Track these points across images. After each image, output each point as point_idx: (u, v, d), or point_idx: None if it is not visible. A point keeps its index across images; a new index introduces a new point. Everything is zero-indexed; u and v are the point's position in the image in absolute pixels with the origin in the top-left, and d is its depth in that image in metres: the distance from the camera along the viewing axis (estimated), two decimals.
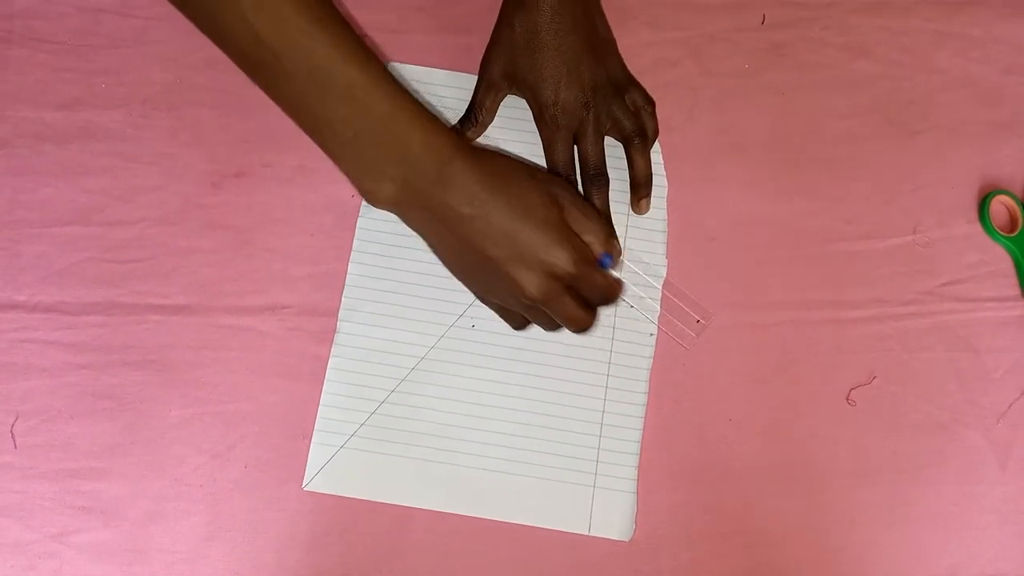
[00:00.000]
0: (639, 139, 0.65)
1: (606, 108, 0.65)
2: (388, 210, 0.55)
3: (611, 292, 0.59)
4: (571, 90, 0.63)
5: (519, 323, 0.62)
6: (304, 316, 0.64)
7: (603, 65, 0.65)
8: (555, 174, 0.65)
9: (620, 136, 0.66)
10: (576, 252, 0.56)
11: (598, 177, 0.65)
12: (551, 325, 0.60)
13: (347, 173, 0.53)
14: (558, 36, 0.63)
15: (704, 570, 0.61)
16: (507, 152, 0.62)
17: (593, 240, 0.59)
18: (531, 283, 0.55)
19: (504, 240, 0.54)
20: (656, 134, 0.67)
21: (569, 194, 0.59)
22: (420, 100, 0.54)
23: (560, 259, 0.55)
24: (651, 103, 0.67)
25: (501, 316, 0.62)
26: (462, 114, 0.67)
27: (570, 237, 0.57)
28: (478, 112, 0.66)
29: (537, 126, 0.66)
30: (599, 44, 0.66)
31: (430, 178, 0.53)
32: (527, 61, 0.64)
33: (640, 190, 0.66)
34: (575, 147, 0.66)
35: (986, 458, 0.64)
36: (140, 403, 0.62)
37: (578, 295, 0.58)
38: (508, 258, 0.55)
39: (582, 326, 0.59)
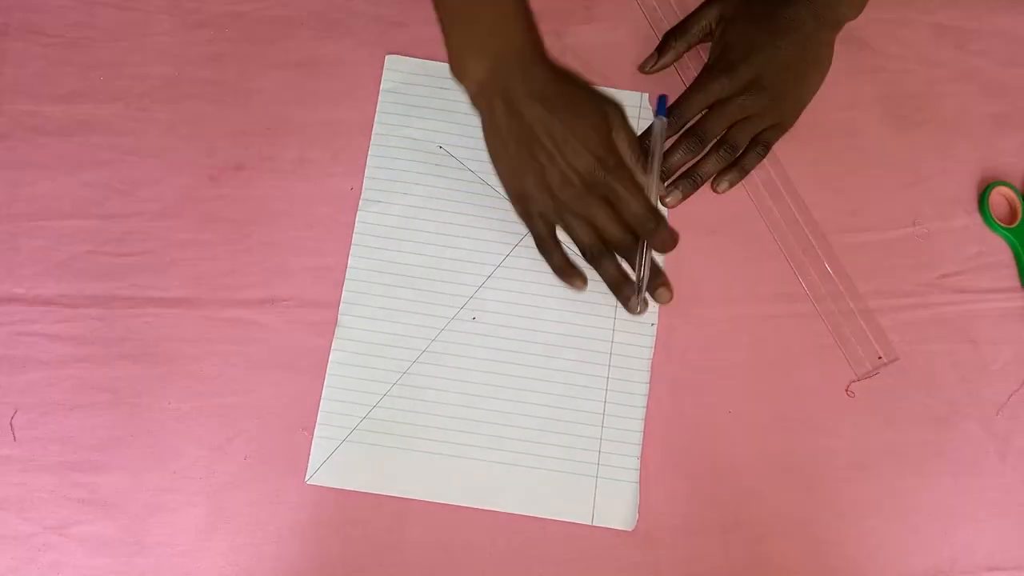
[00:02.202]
0: (729, 153, 0.66)
1: (755, 105, 0.65)
2: (467, 88, 0.59)
3: (646, 218, 0.59)
4: (751, 69, 0.64)
5: (548, 235, 0.62)
6: (303, 309, 0.64)
7: (796, 80, 0.66)
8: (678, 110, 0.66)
9: (730, 139, 0.66)
10: (614, 158, 0.59)
11: (691, 139, 0.66)
12: (585, 234, 0.61)
13: (449, 46, 0.58)
14: (789, 29, 0.65)
15: (703, 561, 0.61)
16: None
17: (630, 159, 0.60)
18: (578, 163, 0.57)
19: (558, 131, 0.57)
20: (744, 174, 0.67)
21: (620, 116, 0.60)
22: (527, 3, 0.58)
23: (601, 153, 0.58)
24: (767, 151, 0.67)
25: (532, 229, 0.62)
26: (458, 110, 0.67)
27: (611, 147, 0.59)
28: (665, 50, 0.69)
29: (702, 71, 0.67)
30: (811, 63, 0.67)
31: (516, 68, 0.57)
32: (749, 22, 0.66)
33: (679, 181, 0.67)
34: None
35: (985, 449, 0.64)
36: (139, 396, 0.62)
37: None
38: (557, 145, 0.58)
39: (616, 238, 0.60)
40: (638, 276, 0.61)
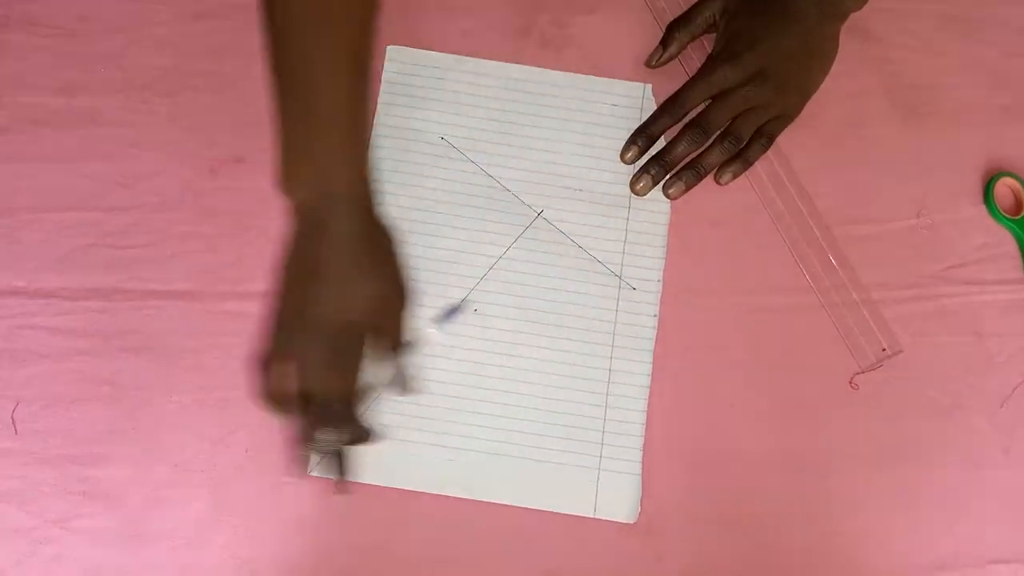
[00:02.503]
0: (733, 144, 0.65)
1: (759, 96, 0.65)
2: (286, 201, 0.55)
3: (345, 421, 0.56)
4: (755, 59, 0.64)
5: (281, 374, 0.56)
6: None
7: (801, 71, 0.66)
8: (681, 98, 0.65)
9: (733, 129, 0.66)
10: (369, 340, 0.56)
11: (694, 130, 0.65)
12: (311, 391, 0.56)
13: (277, 161, 0.54)
14: (794, 20, 0.65)
15: (705, 554, 0.61)
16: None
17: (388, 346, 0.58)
18: (340, 327, 0.54)
19: (335, 289, 0.54)
20: (748, 166, 0.66)
21: (404, 303, 0.58)
22: (366, 142, 0.56)
23: (367, 330, 0.56)
24: (771, 143, 0.66)
25: (261, 367, 0.56)
26: (460, 101, 0.67)
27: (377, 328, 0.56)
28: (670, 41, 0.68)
29: (706, 61, 0.67)
30: (816, 54, 0.66)
31: (333, 212, 0.54)
32: (753, 12, 0.65)
33: (682, 172, 0.66)
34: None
35: (990, 442, 0.63)
36: (140, 389, 0.62)
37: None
38: (331, 301, 0.54)
39: (276, 401, 0.55)
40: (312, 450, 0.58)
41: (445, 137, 0.67)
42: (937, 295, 0.65)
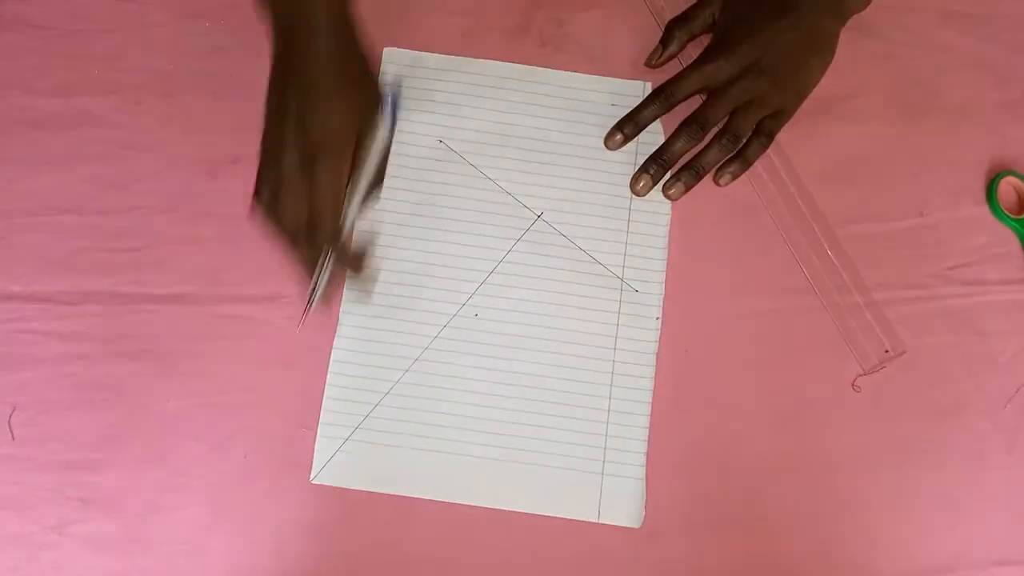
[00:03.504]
0: (731, 142, 0.64)
1: (755, 89, 0.64)
2: (265, 20, 0.57)
3: (329, 232, 0.58)
4: (750, 51, 0.63)
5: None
6: (304, 304, 0.63)
7: (797, 66, 0.65)
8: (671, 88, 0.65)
9: (731, 126, 0.65)
10: (338, 159, 0.58)
11: (691, 127, 0.64)
12: (290, 212, 0.58)
13: None
14: (792, 15, 0.64)
15: (708, 558, 0.61)
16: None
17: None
18: (308, 147, 0.56)
19: (309, 107, 0.56)
20: (747, 166, 0.65)
21: (372, 121, 0.59)
22: None
23: (334, 147, 0.57)
24: (770, 141, 0.65)
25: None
26: (458, 102, 0.67)
27: (345, 147, 0.58)
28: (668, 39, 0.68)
29: (701, 52, 0.66)
30: (814, 50, 0.66)
31: (301, 25, 0.56)
32: (751, 7, 0.65)
33: (681, 173, 0.65)
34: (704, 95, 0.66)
35: (992, 443, 0.63)
36: (138, 393, 0.62)
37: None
38: (302, 120, 0.56)
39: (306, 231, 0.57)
40: (313, 282, 0.60)
41: (443, 140, 0.66)
42: (940, 295, 0.65)
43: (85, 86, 0.67)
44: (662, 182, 0.66)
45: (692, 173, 0.65)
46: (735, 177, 0.65)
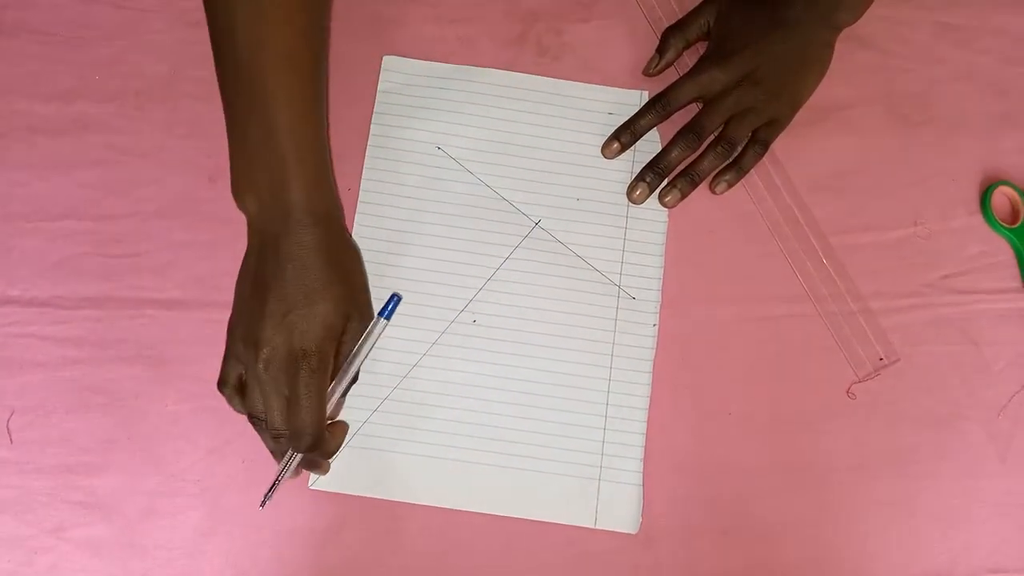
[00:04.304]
0: (727, 150, 0.65)
1: (750, 99, 0.64)
2: (241, 210, 0.57)
3: (301, 433, 0.55)
4: (745, 61, 0.64)
5: (233, 382, 0.58)
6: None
7: (792, 76, 0.66)
8: (667, 96, 0.65)
9: (727, 134, 0.65)
10: (319, 359, 0.55)
11: (687, 135, 0.65)
12: (257, 403, 0.56)
13: (232, 166, 0.56)
14: (786, 26, 0.64)
15: (703, 564, 0.61)
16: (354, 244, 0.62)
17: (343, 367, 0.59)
18: (290, 344, 0.54)
19: (290, 303, 0.54)
20: (743, 175, 0.66)
21: (357, 324, 0.58)
22: (322, 152, 0.57)
23: (313, 347, 0.54)
24: (765, 150, 0.66)
25: (223, 367, 0.59)
26: (456, 111, 0.67)
27: (325, 346, 0.56)
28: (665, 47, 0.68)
29: (696, 62, 0.67)
30: (808, 60, 0.66)
31: (284, 221, 0.55)
32: (746, 17, 0.66)
33: (677, 180, 0.66)
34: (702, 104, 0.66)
35: (986, 451, 0.63)
36: (136, 398, 0.62)
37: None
38: (283, 316, 0.54)
39: (273, 430, 0.55)
40: (279, 473, 0.58)
41: (441, 147, 0.67)
42: (934, 304, 0.65)
43: (85, 92, 0.67)
44: (659, 190, 0.66)
45: (688, 180, 0.65)
46: (731, 185, 0.66)
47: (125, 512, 0.60)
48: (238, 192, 0.56)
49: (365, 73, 0.68)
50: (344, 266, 0.58)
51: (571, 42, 0.70)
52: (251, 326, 0.55)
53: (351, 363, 0.59)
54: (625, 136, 0.66)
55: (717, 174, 0.66)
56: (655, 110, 0.65)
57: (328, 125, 0.57)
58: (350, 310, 0.58)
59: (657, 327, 0.64)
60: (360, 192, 0.66)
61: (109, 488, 0.61)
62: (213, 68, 0.67)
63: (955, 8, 0.71)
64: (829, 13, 0.65)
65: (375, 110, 0.67)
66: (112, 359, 0.62)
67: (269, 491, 0.58)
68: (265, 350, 0.54)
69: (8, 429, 0.61)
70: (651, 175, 0.65)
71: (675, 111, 0.66)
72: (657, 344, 0.64)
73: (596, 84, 0.69)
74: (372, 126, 0.67)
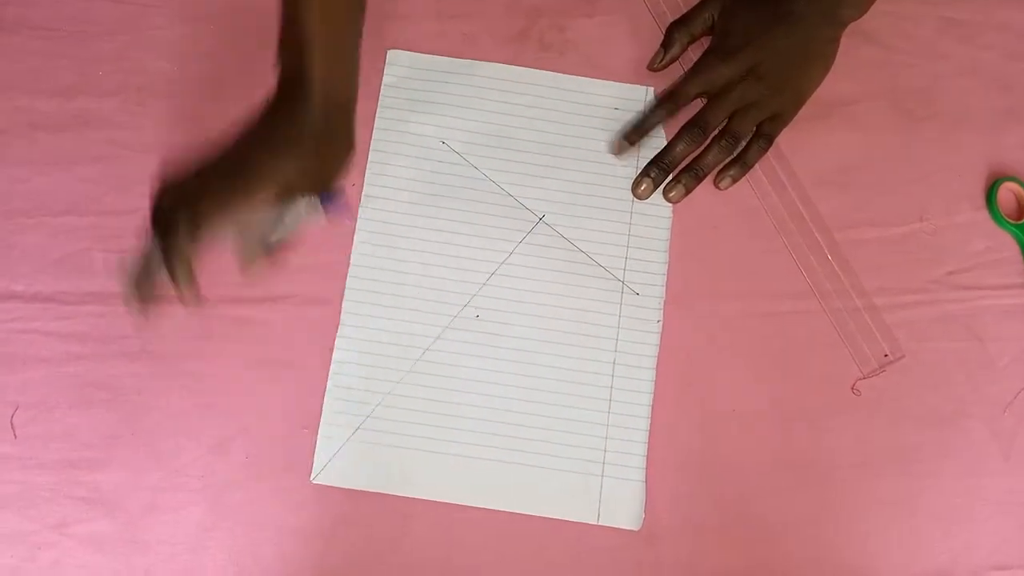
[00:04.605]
0: (731, 144, 0.65)
1: (754, 93, 0.64)
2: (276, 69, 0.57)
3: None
4: (749, 55, 0.64)
5: None
6: (305, 306, 0.64)
7: (796, 71, 0.65)
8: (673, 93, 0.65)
9: (731, 128, 0.65)
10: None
11: (691, 130, 0.65)
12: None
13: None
14: (790, 20, 0.64)
15: (706, 561, 0.61)
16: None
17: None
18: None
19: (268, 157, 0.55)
20: (747, 169, 0.66)
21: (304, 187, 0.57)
22: (350, 34, 0.57)
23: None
24: (770, 144, 0.66)
25: None
26: (461, 105, 0.67)
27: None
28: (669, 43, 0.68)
29: (700, 57, 0.66)
30: (812, 55, 0.66)
31: (296, 92, 0.55)
32: (750, 12, 0.65)
33: (681, 175, 0.65)
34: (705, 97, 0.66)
35: (990, 449, 0.63)
36: (139, 393, 0.62)
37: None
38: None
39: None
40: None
41: (446, 141, 0.67)
42: (939, 300, 0.65)
43: (87, 88, 0.67)
44: (663, 185, 0.66)
45: (692, 175, 0.65)
46: (735, 180, 0.66)
47: (128, 508, 0.60)
48: (278, 49, 0.57)
49: (369, 67, 0.67)
50: (329, 148, 0.57)
51: (574, 38, 0.70)
52: (232, 159, 0.55)
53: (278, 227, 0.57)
54: (633, 134, 0.66)
55: (721, 169, 0.66)
56: (663, 107, 0.65)
57: (362, 35, 0.57)
58: (308, 183, 0.56)
59: (661, 323, 0.64)
60: (364, 186, 0.66)
61: (112, 484, 0.61)
62: (214, 63, 0.67)
63: (959, 3, 0.71)
64: (833, 8, 0.65)
65: (380, 104, 0.67)
66: (115, 355, 0.62)
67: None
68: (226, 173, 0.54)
69: (12, 424, 0.61)
70: (655, 171, 0.65)
71: (682, 107, 0.66)
72: (661, 340, 0.64)
73: (600, 79, 0.69)
74: (376, 120, 0.67)
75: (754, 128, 0.66)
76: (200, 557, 0.60)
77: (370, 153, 0.66)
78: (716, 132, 0.66)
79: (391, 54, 0.68)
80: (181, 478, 0.61)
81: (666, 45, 0.68)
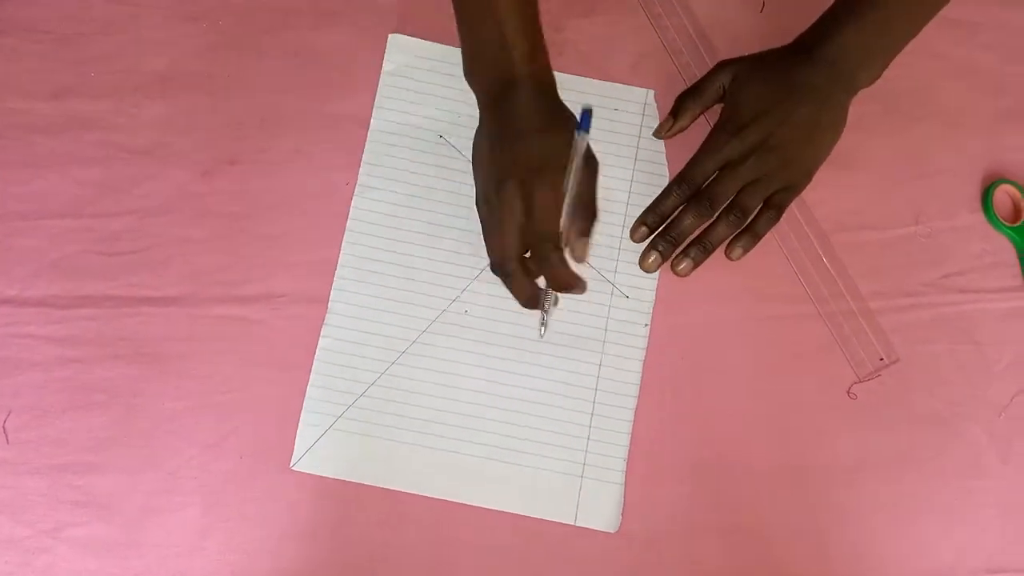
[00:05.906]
0: (739, 218, 0.63)
1: (765, 167, 0.62)
2: (474, 91, 0.61)
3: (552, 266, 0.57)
4: (760, 129, 0.62)
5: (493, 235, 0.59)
6: (298, 304, 0.64)
7: (807, 142, 0.63)
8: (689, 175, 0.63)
9: (740, 203, 0.63)
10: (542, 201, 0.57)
11: (700, 203, 0.63)
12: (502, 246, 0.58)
13: (462, 52, 0.61)
14: (802, 91, 0.62)
15: (696, 565, 0.61)
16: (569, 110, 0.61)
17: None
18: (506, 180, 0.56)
19: (531, 161, 0.57)
20: (758, 240, 0.64)
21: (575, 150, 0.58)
22: (534, 29, 0.59)
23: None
24: (780, 215, 0.63)
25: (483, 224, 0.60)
26: (460, 99, 0.67)
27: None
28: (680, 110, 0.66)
29: (711, 131, 0.64)
30: (823, 125, 0.64)
31: (511, 95, 0.58)
32: (762, 83, 0.63)
33: (690, 249, 0.64)
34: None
35: (987, 452, 0.63)
36: (132, 396, 0.62)
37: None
38: (524, 176, 0.57)
39: (504, 254, 0.57)
40: (542, 300, 0.59)
41: (443, 135, 0.66)
42: (935, 303, 0.65)
43: (81, 89, 0.67)
44: (672, 258, 0.64)
45: (701, 249, 0.64)
46: (746, 251, 0.64)
47: (123, 510, 0.60)
48: (470, 74, 0.61)
49: (366, 61, 0.68)
50: (560, 115, 0.60)
51: (572, 38, 0.69)
52: (488, 180, 0.58)
53: (568, 179, 0.58)
54: (651, 218, 0.64)
55: (732, 240, 0.64)
56: (679, 191, 0.64)
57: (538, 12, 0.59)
58: (566, 147, 0.58)
59: (649, 327, 0.64)
60: (359, 175, 0.66)
61: (107, 487, 0.61)
62: (208, 63, 0.67)
63: (958, 3, 0.70)
64: (850, 77, 0.63)
65: (378, 92, 0.67)
66: (109, 357, 0.62)
67: (542, 323, 0.60)
68: (507, 184, 0.56)
69: (4, 429, 0.61)
70: (663, 244, 0.64)
71: (700, 187, 0.63)
72: (654, 344, 0.64)
73: (599, 80, 0.68)
74: (375, 110, 0.67)
75: (763, 200, 0.64)
76: (195, 558, 0.60)
77: (367, 142, 0.66)
78: (725, 206, 0.64)
79: (392, 39, 0.68)
80: (176, 480, 0.61)
81: (676, 113, 0.66)
